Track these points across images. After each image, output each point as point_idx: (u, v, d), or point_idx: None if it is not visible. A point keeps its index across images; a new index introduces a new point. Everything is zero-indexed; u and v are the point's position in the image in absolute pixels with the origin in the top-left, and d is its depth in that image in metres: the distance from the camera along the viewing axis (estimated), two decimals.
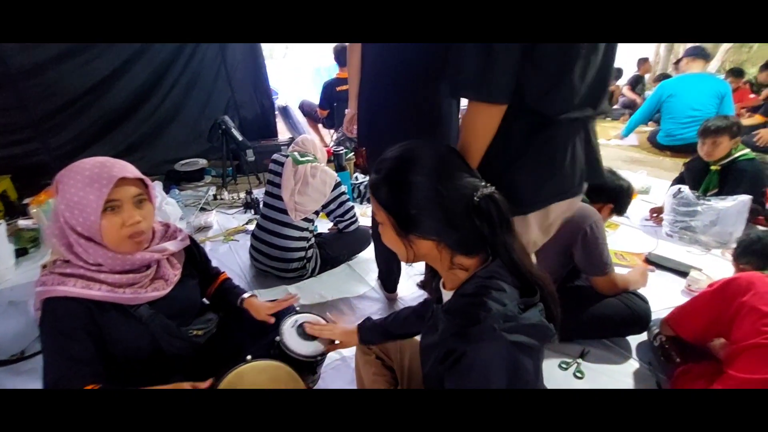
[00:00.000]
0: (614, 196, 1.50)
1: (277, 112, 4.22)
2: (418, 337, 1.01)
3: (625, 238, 2.24)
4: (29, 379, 1.41)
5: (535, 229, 0.99)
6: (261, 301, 1.23)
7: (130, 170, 0.92)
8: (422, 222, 0.70)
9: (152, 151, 3.63)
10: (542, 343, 0.68)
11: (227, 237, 2.45)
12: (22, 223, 2.59)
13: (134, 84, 3.45)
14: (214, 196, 3.07)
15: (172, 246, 1.05)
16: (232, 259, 2.19)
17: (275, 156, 1.99)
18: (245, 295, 1.23)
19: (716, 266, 1.93)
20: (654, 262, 1.96)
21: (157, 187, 2.50)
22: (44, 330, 0.89)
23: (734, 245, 2.02)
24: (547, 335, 0.68)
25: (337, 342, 1.16)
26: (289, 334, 1.12)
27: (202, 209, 2.88)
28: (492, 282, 0.69)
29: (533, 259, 1.09)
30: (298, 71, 8.54)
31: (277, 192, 1.89)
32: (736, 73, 4.83)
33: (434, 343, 0.74)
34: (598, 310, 1.40)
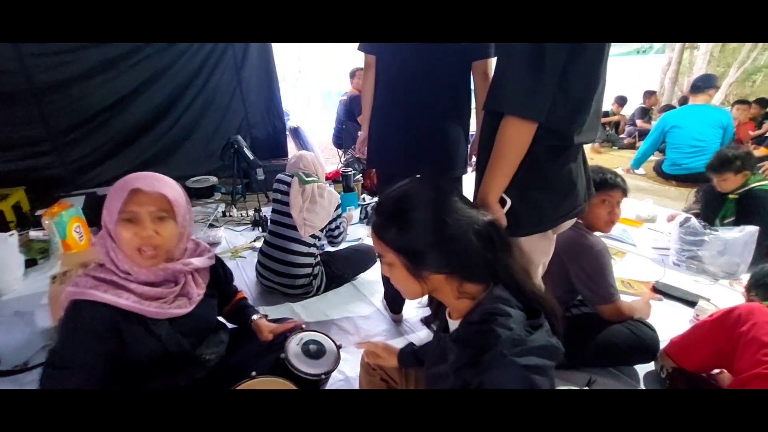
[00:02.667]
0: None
1: (288, 133, 4.32)
2: None
3: (632, 266, 2.23)
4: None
5: (552, 242, 1.06)
6: (266, 322, 1.24)
7: (153, 184, 0.92)
8: (432, 256, 0.72)
9: (165, 167, 3.70)
10: (553, 362, 0.69)
11: (235, 254, 2.47)
12: (33, 234, 2.63)
13: (152, 103, 3.57)
14: (223, 212, 3.11)
15: (198, 262, 1.05)
16: (238, 276, 2.20)
17: (279, 176, 2.03)
18: (255, 317, 1.25)
19: (724, 296, 1.91)
20: (661, 291, 1.94)
21: None
22: (63, 330, 0.90)
23: (742, 276, 2.02)
24: (556, 354, 0.69)
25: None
26: (294, 353, 1.12)
27: (211, 225, 2.91)
28: (497, 307, 0.70)
29: (541, 283, 1.10)
30: (309, 95, 8.77)
31: (285, 209, 1.92)
32: (746, 102, 4.88)
33: (444, 372, 0.74)
34: (605, 338, 1.38)
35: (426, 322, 0.99)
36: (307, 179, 1.94)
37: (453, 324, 0.81)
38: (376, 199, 3.05)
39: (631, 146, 5.33)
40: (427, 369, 0.86)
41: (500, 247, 0.74)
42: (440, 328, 0.89)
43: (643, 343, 1.39)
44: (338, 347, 1.20)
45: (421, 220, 0.72)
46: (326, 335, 1.23)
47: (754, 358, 1.04)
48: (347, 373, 1.45)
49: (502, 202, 0.92)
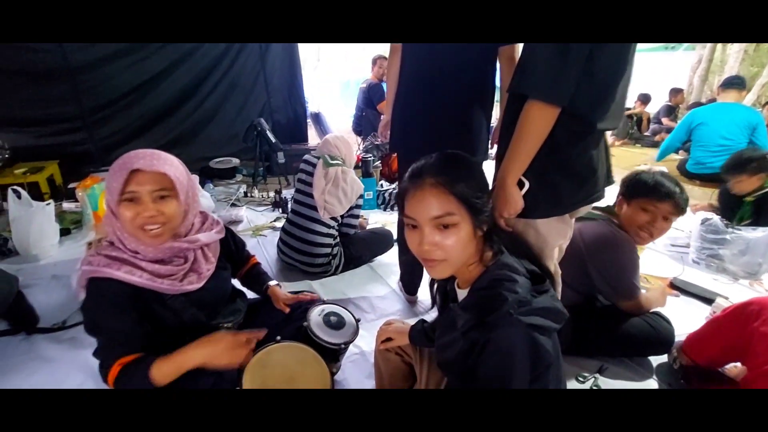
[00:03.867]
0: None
1: (309, 119, 4.37)
2: None
3: (650, 262, 2.21)
4: (70, 346, 1.51)
5: (569, 229, 1.07)
6: (281, 291, 1.28)
7: (153, 164, 0.90)
8: (486, 205, 0.77)
9: (190, 147, 3.81)
10: (558, 324, 0.73)
11: (255, 232, 2.55)
12: (66, 205, 2.76)
13: (178, 84, 3.66)
14: (245, 193, 3.19)
15: (204, 237, 1.06)
16: (259, 253, 2.27)
17: (306, 156, 2.08)
18: (271, 283, 1.29)
19: (743, 296, 1.89)
20: (679, 287, 1.93)
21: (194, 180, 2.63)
22: (88, 307, 0.93)
23: (763, 276, 1.99)
24: (561, 317, 0.73)
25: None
26: (315, 322, 1.18)
27: (233, 205, 3.00)
28: (504, 274, 0.74)
29: (557, 266, 1.13)
30: (328, 83, 8.78)
31: (308, 190, 1.97)
32: None
33: (453, 339, 0.77)
34: (623, 329, 1.40)
35: (435, 298, 1.01)
36: (332, 162, 1.98)
37: (461, 294, 0.85)
38: (394, 185, 3.08)
39: (656, 144, 5.22)
40: (437, 340, 0.86)
41: None
42: (450, 300, 0.92)
43: (659, 336, 1.40)
44: (357, 320, 1.25)
45: (478, 174, 0.78)
46: (345, 308, 1.28)
47: (766, 355, 1.05)
48: (362, 348, 1.50)
49: (521, 185, 0.95)
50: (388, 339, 1.16)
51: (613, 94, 0.92)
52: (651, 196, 1.32)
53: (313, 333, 1.14)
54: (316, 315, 1.21)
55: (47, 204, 2.23)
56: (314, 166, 2.00)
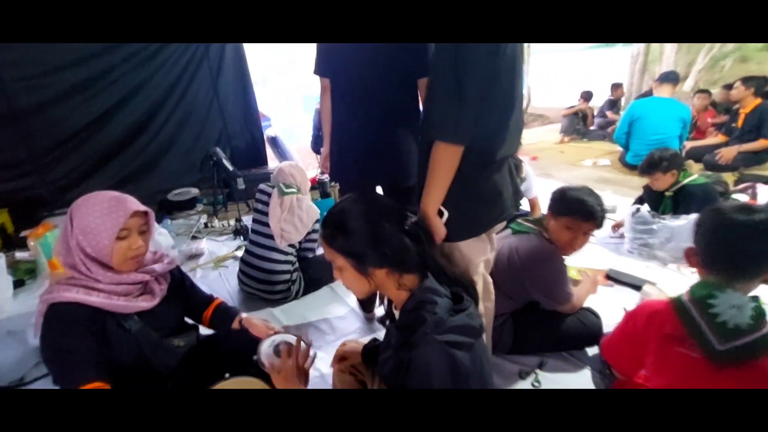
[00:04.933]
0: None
1: (266, 142, 4.41)
2: None
3: (588, 255, 2.39)
4: None
5: (488, 246, 1.21)
6: (257, 320, 1.35)
7: (139, 204, 1.09)
8: (373, 255, 0.87)
9: (146, 182, 3.77)
10: (473, 339, 0.84)
11: (217, 264, 2.57)
12: (19, 255, 2.70)
13: (130, 119, 3.63)
14: (205, 224, 3.20)
15: (158, 268, 1.20)
16: (221, 285, 2.31)
17: (261, 186, 2.14)
18: (243, 315, 1.37)
19: (672, 279, 2.09)
20: (613, 277, 2.11)
21: None
22: (48, 332, 0.99)
23: None
24: (476, 332, 0.85)
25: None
26: (265, 354, 1.24)
27: (194, 237, 3.01)
28: (425, 296, 0.86)
29: (480, 279, 1.25)
30: (290, 97, 8.80)
31: (265, 219, 2.03)
32: (705, 91, 5.13)
33: (389, 356, 0.90)
34: (555, 328, 1.55)
35: (381, 320, 1.14)
36: (287, 191, 2.05)
37: (397, 314, 0.96)
38: None
39: (603, 138, 5.55)
40: (380, 356, 0.99)
41: (426, 240, 0.92)
42: (391, 320, 1.04)
43: (588, 330, 1.56)
44: (308, 345, 1.33)
45: (359, 226, 0.87)
46: (298, 336, 1.35)
47: (660, 354, 0.99)
48: (322, 370, 1.58)
49: (441, 214, 1.06)
50: (344, 359, 1.25)
51: (507, 127, 1.05)
52: (575, 216, 1.44)
53: (261, 365, 1.20)
54: (266, 347, 1.27)
55: None
56: (269, 195, 2.06)
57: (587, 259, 2.34)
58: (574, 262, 2.26)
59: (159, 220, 3.01)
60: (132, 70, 3.51)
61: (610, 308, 1.76)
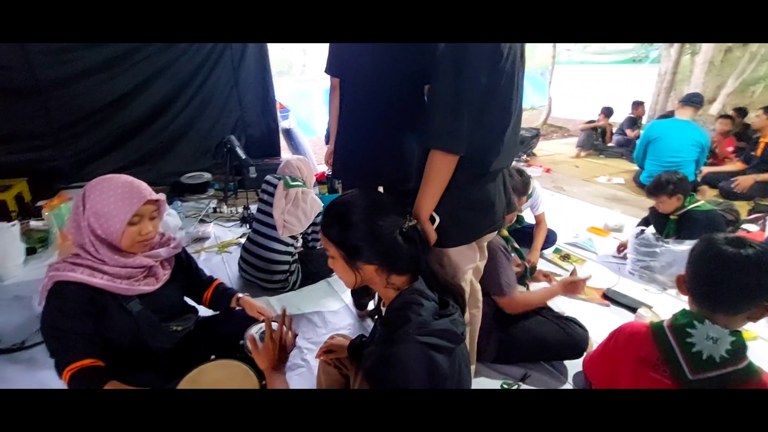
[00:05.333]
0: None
1: (281, 133, 4.47)
2: None
3: (588, 273, 2.37)
4: (27, 367, 1.58)
5: (477, 255, 1.23)
6: (253, 301, 1.40)
7: (152, 192, 1.12)
8: (365, 251, 0.90)
9: (162, 163, 3.88)
10: (454, 344, 0.86)
11: (221, 249, 2.63)
12: (33, 224, 2.80)
13: (151, 101, 3.73)
14: (214, 209, 3.26)
15: (164, 252, 1.23)
16: (222, 270, 2.37)
17: (268, 177, 2.19)
18: (240, 295, 1.41)
19: (669, 304, 2.06)
20: (611, 297, 2.09)
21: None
22: (49, 309, 1.04)
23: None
24: (457, 338, 0.87)
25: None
26: (251, 338, 1.28)
27: (202, 221, 3.07)
28: (413, 297, 0.88)
29: (469, 285, 1.27)
30: (312, 90, 8.87)
31: (269, 210, 2.07)
32: (728, 117, 5.00)
33: (372, 350, 0.92)
34: (539, 335, 1.55)
35: (370, 314, 1.16)
36: (292, 183, 2.09)
37: (384, 311, 0.98)
38: None
39: (620, 155, 5.47)
40: (365, 350, 1.00)
41: (421, 246, 0.94)
42: (379, 315, 1.07)
43: (572, 341, 1.55)
44: (294, 336, 1.36)
45: (357, 221, 0.89)
46: (284, 326, 1.38)
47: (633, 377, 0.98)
48: (310, 361, 1.61)
49: (432, 220, 1.08)
50: (330, 351, 1.28)
51: (502, 140, 1.07)
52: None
53: (247, 350, 1.24)
54: (253, 332, 1.31)
55: (12, 225, 2.29)
56: (275, 186, 2.11)
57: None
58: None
59: (170, 202, 3.09)
60: (156, 53, 3.60)
61: (603, 327, 1.74)
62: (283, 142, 4.49)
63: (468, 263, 1.20)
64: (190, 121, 3.95)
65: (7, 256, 2.23)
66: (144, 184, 1.13)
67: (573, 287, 1.62)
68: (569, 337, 1.55)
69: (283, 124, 4.32)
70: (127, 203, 1.06)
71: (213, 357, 1.16)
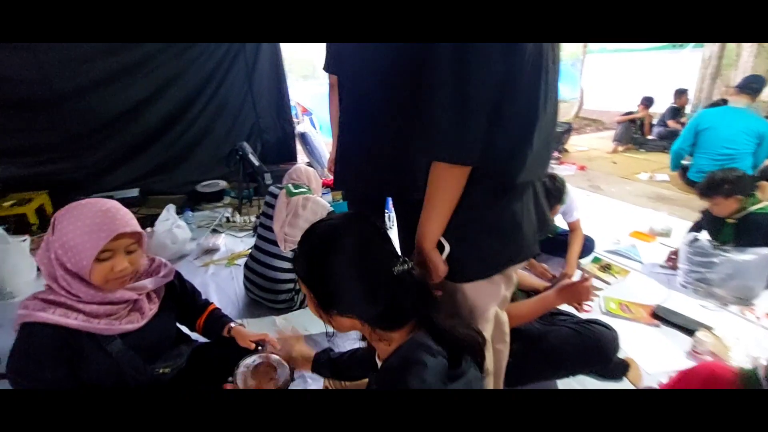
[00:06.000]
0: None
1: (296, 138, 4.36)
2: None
3: (634, 287, 2.09)
4: None
5: (502, 288, 0.98)
6: (245, 330, 1.25)
7: (129, 223, 0.97)
8: (341, 299, 0.71)
9: (178, 171, 3.84)
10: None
11: (230, 261, 2.52)
12: None
13: (165, 109, 3.70)
14: (227, 218, 3.18)
15: (150, 284, 1.10)
16: (230, 285, 2.25)
17: (271, 188, 2.05)
18: (232, 324, 1.27)
19: (733, 325, 1.76)
20: (661, 316, 1.81)
21: (170, 210, 2.63)
22: (17, 353, 0.93)
23: (756, 302, 1.86)
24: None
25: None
26: (242, 377, 1.13)
27: (214, 231, 2.99)
28: (414, 356, 0.68)
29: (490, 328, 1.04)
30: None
31: (269, 224, 1.93)
32: None
33: None
34: (548, 346, 1.29)
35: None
36: (295, 191, 1.95)
37: (380, 364, 0.80)
38: None
39: (663, 149, 5.04)
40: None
41: (418, 295, 0.72)
42: (373, 369, 0.87)
43: (594, 342, 1.27)
44: (291, 369, 1.20)
45: (331, 261, 0.70)
46: (280, 357, 1.23)
47: None
48: (311, 385, 1.45)
49: (440, 248, 0.87)
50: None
51: (529, 143, 0.83)
52: None
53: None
54: (243, 368, 1.16)
55: (23, 240, 2.26)
56: (277, 197, 1.97)
57: (632, 291, 2.05)
58: (617, 294, 1.99)
59: (181, 212, 3.03)
60: (168, 61, 3.57)
61: (654, 353, 1.49)
62: (299, 147, 4.38)
63: (489, 301, 0.97)
64: (205, 128, 3.90)
65: (17, 272, 2.20)
66: (122, 214, 0.98)
67: (573, 293, 1.24)
68: (589, 340, 1.27)
69: (297, 128, 4.22)
70: (95, 237, 0.91)
71: None
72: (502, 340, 1.15)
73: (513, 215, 0.88)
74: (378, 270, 0.70)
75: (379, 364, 0.81)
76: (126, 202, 3.23)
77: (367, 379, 0.98)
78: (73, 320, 0.94)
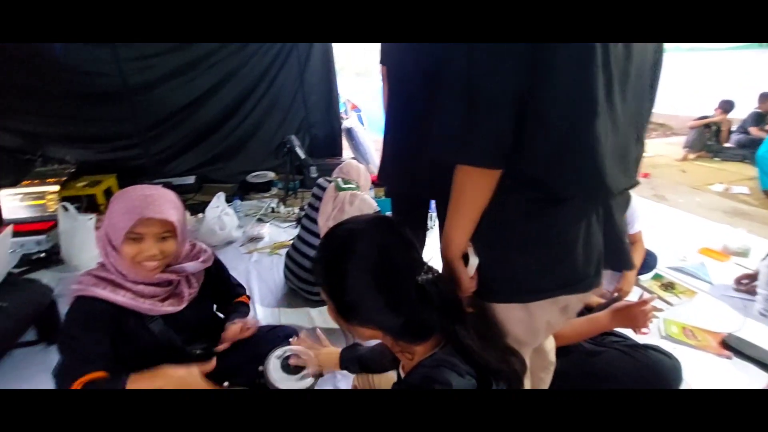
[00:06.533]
0: None
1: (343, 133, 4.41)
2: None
3: (701, 310, 1.88)
4: None
5: (543, 318, 0.81)
6: (231, 326, 1.24)
7: (161, 211, 1.00)
8: (359, 308, 0.67)
9: (232, 162, 4.03)
10: None
11: (273, 250, 2.58)
12: None
13: (223, 103, 3.88)
14: (272, 209, 3.26)
15: (190, 267, 1.14)
16: (271, 273, 2.30)
17: (319, 180, 2.06)
18: (236, 320, 1.27)
19: None
20: (733, 347, 1.60)
21: (220, 197, 2.75)
22: (68, 322, 1.01)
23: None
24: None
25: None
26: (273, 366, 1.13)
27: (259, 220, 3.08)
28: (438, 373, 0.63)
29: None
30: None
31: (315, 216, 1.94)
32: None
33: None
34: (594, 369, 1.16)
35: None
36: (344, 186, 1.94)
37: (402, 375, 0.76)
38: None
39: (740, 159, 4.53)
40: None
41: (443, 308, 0.66)
42: (398, 381, 0.83)
43: (651, 371, 1.12)
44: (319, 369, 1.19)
45: (350, 269, 0.66)
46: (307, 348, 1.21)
47: None
48: (340, 385, 1.43)
49: (466, 259, 0.77)
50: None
51: (580, 150, 0.65)
52: None
53: (266, 377, 1.10)
54: (274, 357, 1.17)
55: (90, 219, 2.45)
56: (325, 190, 1.97)
57: (698, 314, 1.84)
58: (680, 317, 1.79)
59: (230, 201, 3.15)
60: (228, 57, 3.73)
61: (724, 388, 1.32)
62: (345, 143, 4.42)
63: (519, 327, 0.81)
64: (258, 121, 4.05)
65: (83, 247, 2.39)
66: (160, 202, 1.01)
67: (629, 316, 1.10)
68: (645, 367, 1.12)
69: (344, 123, 4.26)
70: (126, 218, 0.97)
71: (226, 384, 1.03)
72: (544, 368, 1.05)
73: (561, 234, 0.72)
74: (399, 279, 0.65)
75: (402, 374, 0.78)
76: (182, 189, 3.39)
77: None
78: (120, 297, 1.00)
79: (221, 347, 1.19)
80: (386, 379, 1.10)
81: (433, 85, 1.11)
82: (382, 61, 1.35)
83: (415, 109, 1.19)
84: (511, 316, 0.79)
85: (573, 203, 0.71)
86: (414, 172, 1.25)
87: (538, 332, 0.83)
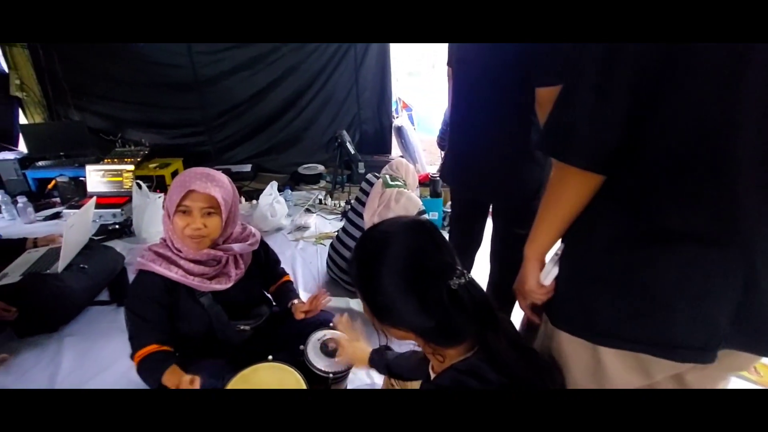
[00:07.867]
0: None
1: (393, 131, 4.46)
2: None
3: None
4: None
5: (611, 370, 0.67)
6: (300, 305, 1.34)
7: (205, 186, 1.08)
8: (391, 309, 0.69)
9: (287, 153, 4.23)
10: None
11: (317, 240, 2.70)
12: None
13: (282, 96, 4.08)
14: (320, 200, 3.40)
15: (237, 248, 1.23)
16: (314, 261, 2.41)
17: (368, 176, 2.13)
18: (295, 301, 1.38)
19: None
20: None
21: (273, 186, 2.91)
22: (131, 295, 1.16)
23: None
24: None
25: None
26: (312, 346, 1.21)
27: (307, 210, 3.23)
28: (468, 379, 0.65)
29: None
30: (437, 90, 8.79)
31: (361, 210, 2.01)
32: None
33: None
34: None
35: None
36: (392, 183, 1.99)
37: (432, 376, 0.79)
38: None
39: None
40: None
41: (475, 314, 0.66)
42: (426, 379, 0.85)
43: None
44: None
45: (383, 272, 0.67)
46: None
47: None
48: (375, 379, 1.49)
49: (542, 265, 0.75)
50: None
51: (721, 168, 0.54)
52: None
53: (305, 356, 1.18)
54: (315, 339, 1.24)
55: (159, 197, 2.70)
56: (372, 185, 2.03)
57: None
58: None
59: (282, 190, 3.32)
60: (289, 53, 3.91)
61: None
62: (394, 141, 4.47)
63: (576, 365, 0.71)
64: (312, 116, 4.21)
65: (152, 222, 2.64)
66: (207, 179, 1.09)
67: None
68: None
69: (395, 122, 4.31)
70: (178, 191, 1.08)
71: (270, 357, 1.12)
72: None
73: (662, 278, 0.59)
74: (431, 283, 0.66)
75: (432, 375, 0.79)
76: (239, 176, 3.60)
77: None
78: (173, 273, 1.12)
79: (301, 315, 1.29)
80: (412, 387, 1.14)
81: (505, 92, 1.13)
82: (448, 61, 1.38)
83: (483, 114, 1.21)
84: (574, 352, 0.70)
85: (696, 238, 0.57)
86: (476, 174, 1.28)
87: (602, 386, 0.69)
